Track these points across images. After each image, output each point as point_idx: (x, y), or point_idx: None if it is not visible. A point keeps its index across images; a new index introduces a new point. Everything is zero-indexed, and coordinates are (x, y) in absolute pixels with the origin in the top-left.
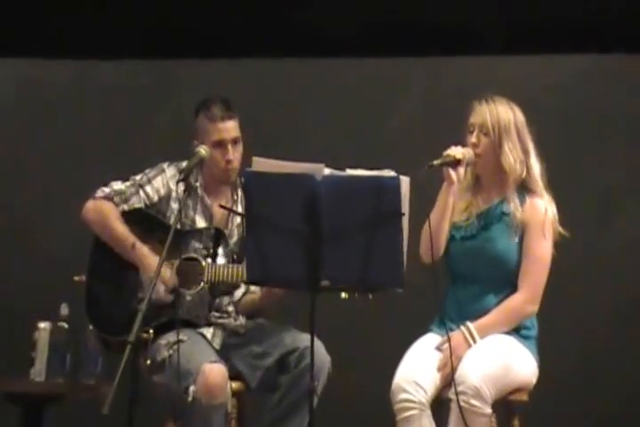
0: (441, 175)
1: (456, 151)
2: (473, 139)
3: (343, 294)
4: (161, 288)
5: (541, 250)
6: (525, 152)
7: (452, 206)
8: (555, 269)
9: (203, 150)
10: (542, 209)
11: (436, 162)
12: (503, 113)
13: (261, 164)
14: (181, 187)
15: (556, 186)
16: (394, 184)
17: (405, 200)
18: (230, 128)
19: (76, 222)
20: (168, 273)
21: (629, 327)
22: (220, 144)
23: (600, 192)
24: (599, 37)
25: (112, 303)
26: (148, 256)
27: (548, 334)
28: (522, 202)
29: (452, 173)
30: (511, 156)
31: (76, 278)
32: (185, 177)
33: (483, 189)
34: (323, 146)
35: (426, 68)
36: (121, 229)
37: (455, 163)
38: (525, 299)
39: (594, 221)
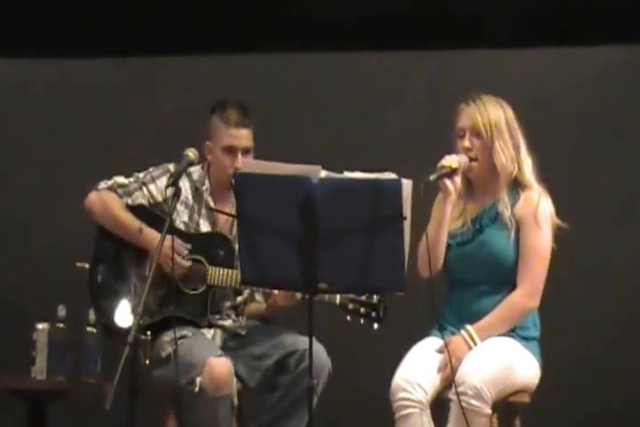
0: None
1: (451, 160)
2: (466, 143)
3: (349, 317)
4: (177, 258)
5: (538, 242)
6: (516, 148)
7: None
8: (561, 272)
9: (191, 154)
10: (535, 201)
11: (432, 177)
12: (493, 112)
13: (253, 165)
14: (170, 192)
15: (573, 186)
16: (394, 187)
17: (407, 203)
18: (243, 136)
19: (72, 224)
20: (178, 241)
21: (632, 330)
22: (231, 150)
23: (617, 195)
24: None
25: (115, 291)
26: (156, 238)
27: (550, 337)
28: (516, 198)
29: (449, 183)
30: (503, 154)
31: (79, 265)
32: (174, 182)
33: (475, 193)
34: (319, 147)
35: (430, 63)
36: (126, 216)
37: (452, 172)
38: (525, 294)
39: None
